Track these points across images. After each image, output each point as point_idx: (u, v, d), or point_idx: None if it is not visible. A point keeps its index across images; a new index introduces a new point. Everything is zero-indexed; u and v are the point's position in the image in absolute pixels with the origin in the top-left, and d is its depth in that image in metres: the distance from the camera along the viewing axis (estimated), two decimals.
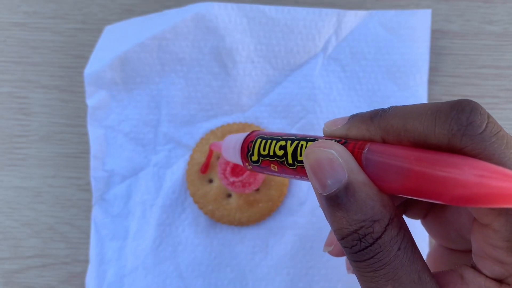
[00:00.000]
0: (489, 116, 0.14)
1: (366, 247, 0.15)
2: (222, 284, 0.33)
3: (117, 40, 0.35)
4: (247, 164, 0.23)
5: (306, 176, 0.18)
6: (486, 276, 0.16)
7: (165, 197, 0.33)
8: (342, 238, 0.16)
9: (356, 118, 0.17)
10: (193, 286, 0.33)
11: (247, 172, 0.31)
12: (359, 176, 0.15)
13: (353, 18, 0.34)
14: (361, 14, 0.34)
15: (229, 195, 0.33)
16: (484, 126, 0.14)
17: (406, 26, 0.34)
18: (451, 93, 0.35)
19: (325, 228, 0.33)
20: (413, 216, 0.23)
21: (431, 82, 0.35)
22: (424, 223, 0.23)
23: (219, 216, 0.33)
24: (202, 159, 0.33)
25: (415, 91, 0.34)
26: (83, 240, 0.35)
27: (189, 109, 0.35)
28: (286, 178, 0.33)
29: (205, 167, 0.33)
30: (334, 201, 0.15)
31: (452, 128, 0.14)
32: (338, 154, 0.16)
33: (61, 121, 0.36)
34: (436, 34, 0.36)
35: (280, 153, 0.19)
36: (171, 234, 0.33)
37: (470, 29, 0.36)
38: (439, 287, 0.16)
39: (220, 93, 0.35)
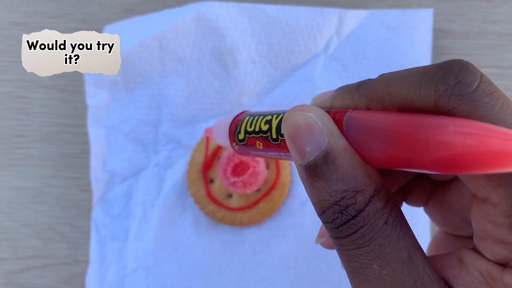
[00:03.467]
0: (482, 75, 0.12)
1: (348, 220, 0.13)
2: (223, 285, 0.33)
3: None
4: (234, 144, 0.21)
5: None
6: (488, 260, 0.14)
7: (165, 197, 0.33)
8: (322, 212, 0.14)
9: (342, 89, 0.16)
10: (194, 287, 0.33)
11: (248, 172, 0.31)
12: (340, 141, 0.14)
13: (354, 17, 0.34)
14: (362, 13, 0.34)
15: (230, 196, 0.33)
16: (475, 85, 0.12)
17: (408, 25, 0.34)
18: None
19: None
20: (414, 203, 0.21)
21: None
22: (426, 210, 0.22)
23: (220, 217, 0.33)
24: (203, 159, 0.33)
25: None
26: (84, 240, 0.34)
27: (190, 109, 0.34)
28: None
29: (207, 165, 0.33)
30: (313, 171, 0.14)
31: (438, 88, 0.12)
32: (317, 117, 0.14)
33: (62, 121, 0.36)
34: (438, 34, 0.35)
35: (265, 128, 0.18)
36: (172, 234, 0.33)
37: (472, 29, 0.36)
38: (432, 269, 0.14)
39: (221, 93, 0.34)
